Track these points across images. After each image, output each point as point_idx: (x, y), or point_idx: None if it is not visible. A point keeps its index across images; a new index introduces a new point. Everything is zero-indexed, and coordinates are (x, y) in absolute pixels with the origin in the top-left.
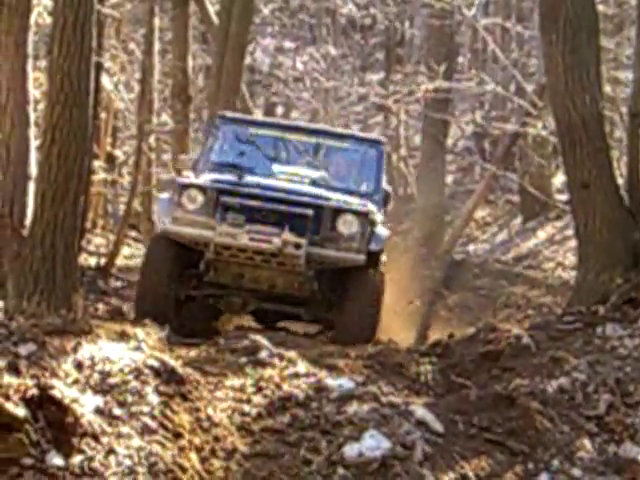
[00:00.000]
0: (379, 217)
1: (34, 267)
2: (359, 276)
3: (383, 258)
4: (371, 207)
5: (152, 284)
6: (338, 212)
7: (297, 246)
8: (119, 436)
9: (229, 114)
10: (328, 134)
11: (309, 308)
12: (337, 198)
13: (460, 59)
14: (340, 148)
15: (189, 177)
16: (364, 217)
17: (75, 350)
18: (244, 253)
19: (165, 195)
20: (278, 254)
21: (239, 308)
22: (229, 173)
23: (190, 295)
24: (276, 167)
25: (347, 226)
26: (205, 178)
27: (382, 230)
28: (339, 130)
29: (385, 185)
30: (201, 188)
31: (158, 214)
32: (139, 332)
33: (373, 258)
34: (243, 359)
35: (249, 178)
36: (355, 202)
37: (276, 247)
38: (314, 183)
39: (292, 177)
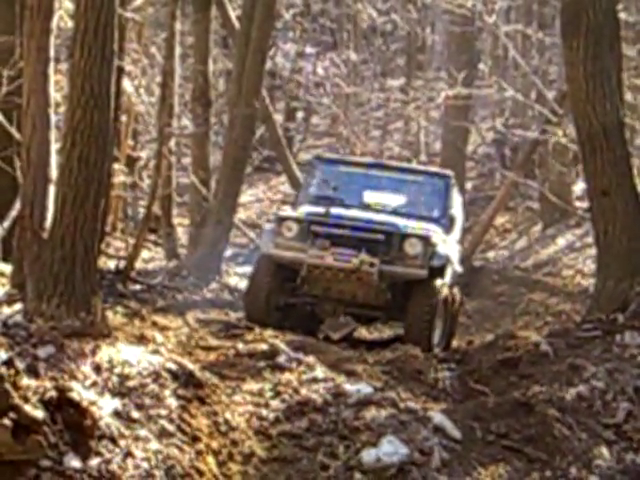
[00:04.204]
0: (443, 238)
1: (54, 270)
2: (422, 286)
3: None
4: (437, 230)
5: (257, 295)
6: (405, 237)
7: (371, 265)
8: (137, 439)
9: (324, 155)
10: (405, 170)
11: (385, 312)
12: (404, 224)
13: (481, 66)
14: (415, 181)
15: (286, 210)
16: (426, 240)
17: (94, 353)
18: (330, 271)
19: (269, 225)
20: (356, 271)
21: (331, 313)
22: (323, 206)
23: (288, 303)
24: (364, 198)
25: (412, 248)
26: (301, 210)
27: (443, 249)
28: (415, 166)
29: (455, 210)
30: (296, 219)
31: (262, 240)
32: (158, 336)
33: (436, 272)
34: (261, 363)
35: (334, 210)
36: (421, 227)
37: (354, 266)
38: (394, 211)
39: (377, 206)
